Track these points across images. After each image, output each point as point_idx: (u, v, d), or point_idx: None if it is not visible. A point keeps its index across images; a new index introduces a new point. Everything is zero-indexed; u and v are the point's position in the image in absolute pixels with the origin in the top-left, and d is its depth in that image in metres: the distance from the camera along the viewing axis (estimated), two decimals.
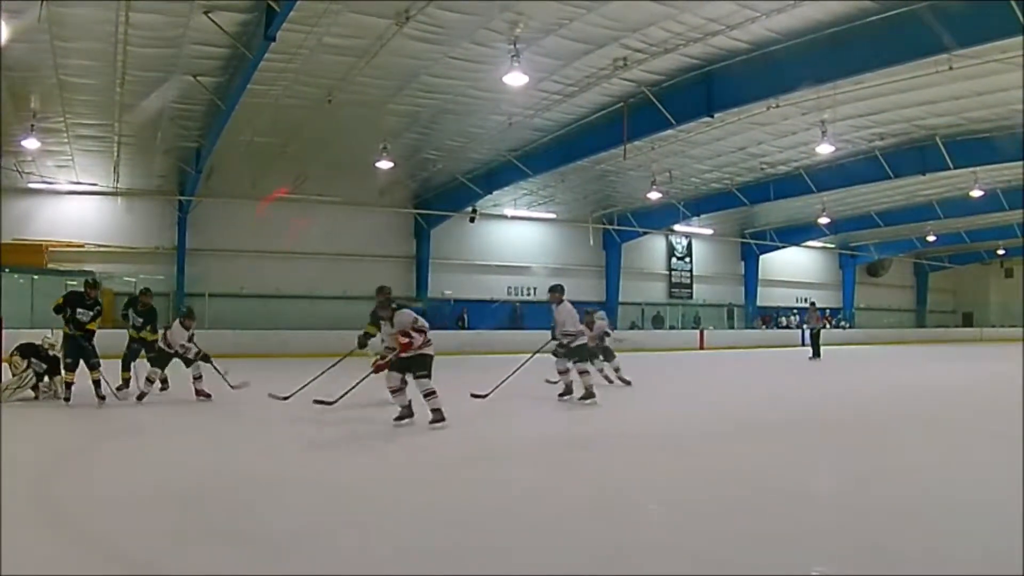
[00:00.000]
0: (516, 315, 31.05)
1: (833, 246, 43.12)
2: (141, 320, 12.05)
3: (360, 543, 4.62)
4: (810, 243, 41.38)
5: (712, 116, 18.13)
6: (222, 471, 6.69)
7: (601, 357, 13.49)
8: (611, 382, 13.66)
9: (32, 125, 18.72)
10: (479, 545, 4.61)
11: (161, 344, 11.51)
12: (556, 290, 11.69)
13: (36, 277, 21.94)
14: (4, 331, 13.91)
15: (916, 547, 4.53)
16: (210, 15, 13.32)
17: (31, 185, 23.17)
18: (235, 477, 6.45)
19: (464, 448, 7.94)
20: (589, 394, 11.29)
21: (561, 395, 11.75)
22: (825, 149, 21.28)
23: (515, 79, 15.15)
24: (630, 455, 7.64)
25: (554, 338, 11.84)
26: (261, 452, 7.71)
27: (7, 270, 21.10)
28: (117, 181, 24.21)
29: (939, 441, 8.55)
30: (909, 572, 4.13)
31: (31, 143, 19.53)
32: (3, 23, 12.23)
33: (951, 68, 15.41)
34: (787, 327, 38.37)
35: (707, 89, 17.24)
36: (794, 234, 38.68)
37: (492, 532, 4.89)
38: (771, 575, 4.09)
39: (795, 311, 39.78)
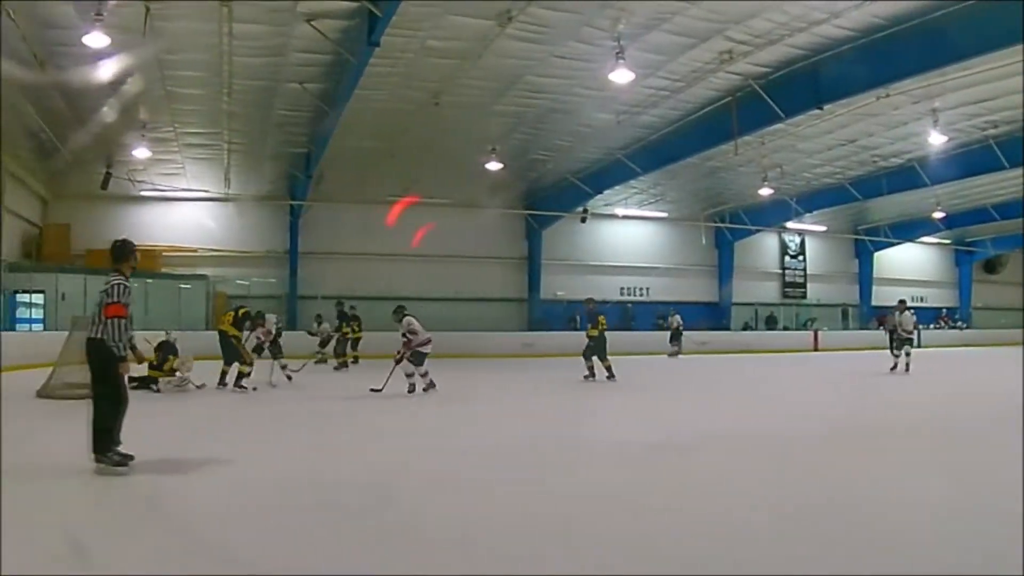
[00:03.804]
0: (627, 316, 30.75)
1: (948, 242, 41.29)
2: None
3: (364, 544, 4.62)
4: (924, 239, 39.72)
5: (821, 108, 17.63)
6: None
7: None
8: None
9: (142, 135, 19.65)
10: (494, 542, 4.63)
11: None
12: (902, 303, 18.21)
13: (150, 281, 22.83)
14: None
15: (916, 546, 4.57)
16: (312, 23, 13.71)
17: (143, 193, 24.33)
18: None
19: (491, 448, 7.93)
20: (906, 366, 17.70)
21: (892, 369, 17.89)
22: (937, 139, 20.49)
23: (621, 76, 15.11)
24: (714, 457, 7.49)
25: (893, 338, 18.32)
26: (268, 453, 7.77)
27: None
28: (228, 187, 24.98)
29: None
30: (909, 572, 4.07)
31: (141, 152, 20.56)
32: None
33: None
34: None
35: (814, 80, 16.75)
36: (908, 229, 37.21)
37: (498, 532, 4.84)
38: (772, 575, 4.03)
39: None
